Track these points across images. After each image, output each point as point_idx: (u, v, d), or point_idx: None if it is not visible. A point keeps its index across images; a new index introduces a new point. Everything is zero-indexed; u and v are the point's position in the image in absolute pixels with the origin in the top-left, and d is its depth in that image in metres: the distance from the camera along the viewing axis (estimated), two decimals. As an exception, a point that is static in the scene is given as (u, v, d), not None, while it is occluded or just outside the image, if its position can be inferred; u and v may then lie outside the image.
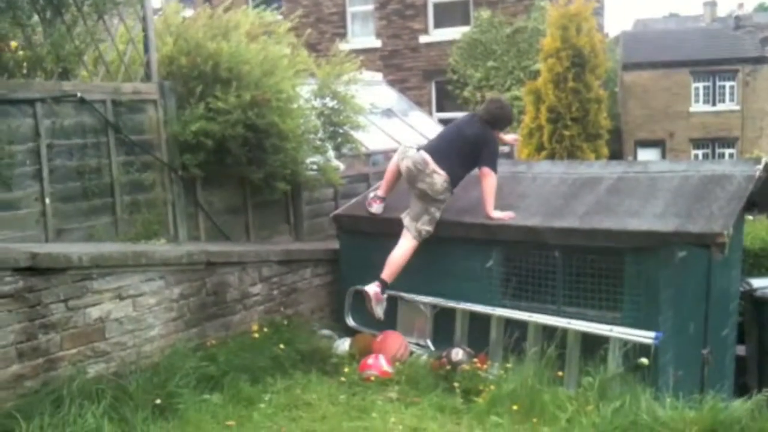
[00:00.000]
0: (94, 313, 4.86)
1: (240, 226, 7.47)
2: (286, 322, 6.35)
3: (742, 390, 6.31)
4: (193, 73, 6.79)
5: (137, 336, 5.17)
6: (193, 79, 6.77)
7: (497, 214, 6.09)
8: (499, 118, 6.46)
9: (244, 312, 6.11)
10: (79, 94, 5.98)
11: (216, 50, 6.70)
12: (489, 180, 6.17)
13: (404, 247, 6.25)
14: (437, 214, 6.25)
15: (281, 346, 5.87)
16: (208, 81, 6.71)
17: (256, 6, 8.30)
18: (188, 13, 8.14)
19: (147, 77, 6.70)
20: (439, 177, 6.19)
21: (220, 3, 7.89)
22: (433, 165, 6.21)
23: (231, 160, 6.86)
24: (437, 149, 6.39)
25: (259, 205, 7.60)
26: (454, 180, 6.29)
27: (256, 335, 5.98)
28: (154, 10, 7.05)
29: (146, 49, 6.72)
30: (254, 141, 6.80)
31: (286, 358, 5.79)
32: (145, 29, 6.72)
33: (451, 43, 16.63)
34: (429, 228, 6.24)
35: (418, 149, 6.48)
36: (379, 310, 6.21)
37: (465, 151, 6.31)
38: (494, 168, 6.22)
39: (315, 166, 7.78)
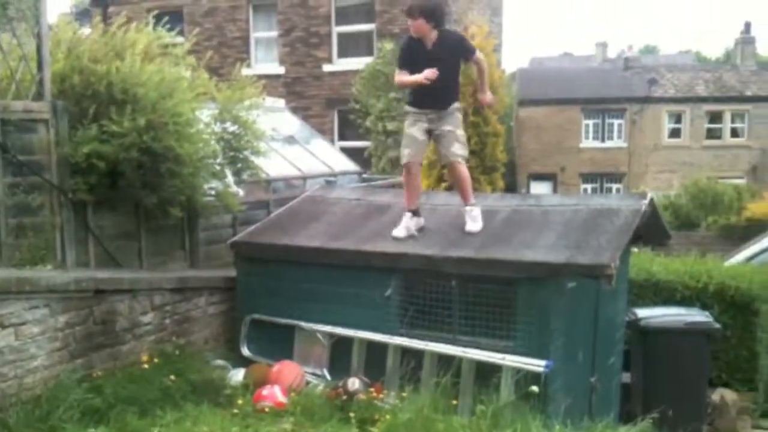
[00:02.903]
0: (-29, 342, 4.60)
1: (132, 252, 7.21)
2: (177, 352, 6.16)
3: (627, 417, 6.55)
4: (86, 93, 6.53)
5: (19, 366, 4.90)
6: (86, 99, 6.51)
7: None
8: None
9: (133, 342, 5.89)
10: (-37, 111, 5.68)
11: (107, 71, 6.50)
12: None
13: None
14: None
15: (172, 377, 5.69)
16: (102, 101, 6.48)
17: (155, 25, 8.09)
18: (87, 32, 7.86)
19: (39, 96, 6.40)
20: None
21: (118, 22, 7.65)
22: None
23: (124, 183, 6.63)
24: None
25: (153, 230, 7.36)
26: None
27: (146, 366, 5.79)
28: (49, 26, 6.79)
29: (40, 67, 6.42)
30: (149, 165, 6.59)
31: (177, 390, 5.59)
32: (39, 46, 6.44)
33: (354, 72, 16.77)
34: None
35: None
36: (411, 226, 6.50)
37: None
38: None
39: (213, 192, 7.63)
